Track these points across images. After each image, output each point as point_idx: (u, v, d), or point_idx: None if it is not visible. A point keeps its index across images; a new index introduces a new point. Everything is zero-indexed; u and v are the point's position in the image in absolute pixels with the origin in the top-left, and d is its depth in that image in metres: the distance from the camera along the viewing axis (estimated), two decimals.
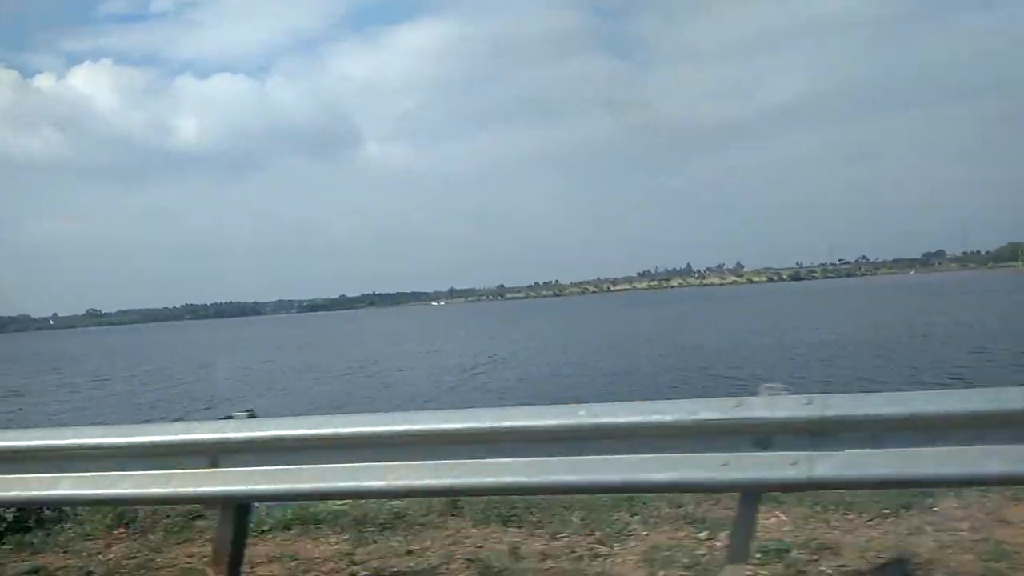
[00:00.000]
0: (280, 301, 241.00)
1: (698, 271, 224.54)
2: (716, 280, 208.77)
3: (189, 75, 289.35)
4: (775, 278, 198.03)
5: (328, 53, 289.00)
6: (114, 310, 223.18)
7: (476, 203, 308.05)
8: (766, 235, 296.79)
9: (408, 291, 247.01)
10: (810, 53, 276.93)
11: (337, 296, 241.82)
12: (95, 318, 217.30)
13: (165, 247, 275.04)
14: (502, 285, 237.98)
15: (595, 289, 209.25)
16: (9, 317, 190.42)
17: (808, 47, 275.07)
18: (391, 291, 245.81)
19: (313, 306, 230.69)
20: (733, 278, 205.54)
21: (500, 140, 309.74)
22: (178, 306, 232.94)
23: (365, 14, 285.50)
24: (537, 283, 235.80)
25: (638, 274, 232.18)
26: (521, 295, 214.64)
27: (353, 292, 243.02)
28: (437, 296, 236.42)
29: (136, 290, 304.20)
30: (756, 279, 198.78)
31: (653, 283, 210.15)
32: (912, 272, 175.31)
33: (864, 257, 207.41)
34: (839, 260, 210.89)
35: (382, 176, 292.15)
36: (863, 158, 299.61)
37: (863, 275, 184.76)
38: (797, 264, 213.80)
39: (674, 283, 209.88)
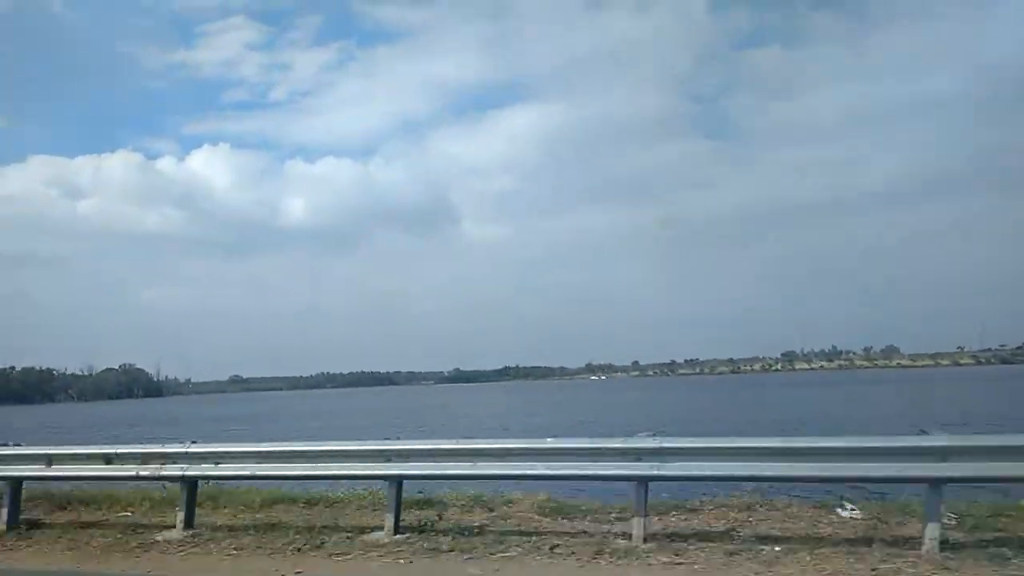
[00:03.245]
0: (410, 372, 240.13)
1: (850, 352, 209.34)
2: (906, 362, 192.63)
3: (299, 158, 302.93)
4: (983, 361, 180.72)
5: (429, 136, 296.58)
6: (250, 376, 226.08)
7: (576, 282, 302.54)
8: (894, 316, 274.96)
9: (544, 365, 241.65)
10: (910, 132, 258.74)
11: (450, 370, 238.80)
12: (238, 384, 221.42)
13: (277, 317, 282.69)
14: (636, 361, 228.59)
15: (779, 368, 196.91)
16: (162, 380, 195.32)
17: (909, 126, 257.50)
18: (526, 364, 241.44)
19: (453, 378, 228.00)
20: (931, 360, 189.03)
21: (596, 221, 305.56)
22: (314, 374, 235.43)
23: (466, 99, 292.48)
24: (674, 361, 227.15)
25: (782, 354, 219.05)
26: (694, 371, 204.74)
27: (479, 366, 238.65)
28: (593, 370, 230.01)
29: (259, 358, 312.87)
30: (963, 361, 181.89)
31: (843, 363, 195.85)
32: None
33: None
34: (1000, 345, 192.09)
35: (479, 254, 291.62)
36: (972, 238, 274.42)
37: None
38: (959, 348, 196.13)
39: (860, 363, 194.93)
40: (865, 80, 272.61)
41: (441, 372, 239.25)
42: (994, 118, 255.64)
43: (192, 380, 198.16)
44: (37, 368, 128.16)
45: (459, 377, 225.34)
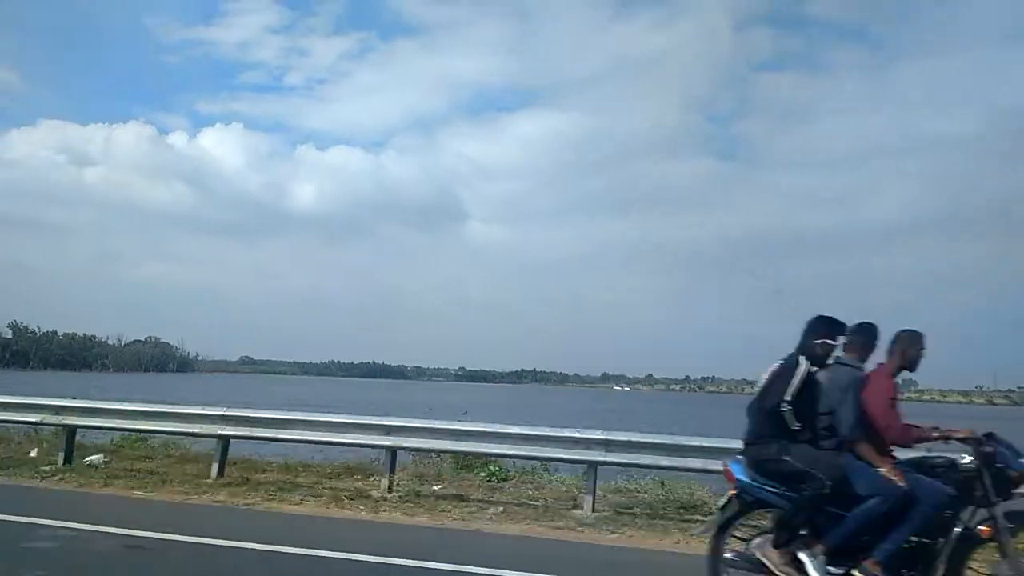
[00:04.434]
0: (417, 367, 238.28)
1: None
2: (938, 396, 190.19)
3: (311, 145, 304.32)
4: (1018, 402, 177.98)
5: (442, 134, 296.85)
6: (260, 358, 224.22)
7: (584, 291, 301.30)
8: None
9: (560, 371, 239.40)
10: (924, 170, 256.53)
11: (456, 368, 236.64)
12: (248, 365, 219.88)
13: (283, 302, 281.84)
14: (651, 374, 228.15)
15: None
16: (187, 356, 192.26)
17: (923, 164, 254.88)
18: (541, 369, 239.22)
19: (464, 376, 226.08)
20: (963, 397, 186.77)
21: (601, 232, 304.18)
22: (324, 361, 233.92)
23: (482, 99, 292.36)
24: (689, 377, 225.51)
25: None
26: (719, 389, 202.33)
27: (483, 366, 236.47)
28: (608, 379, 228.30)
29: (266, 341, 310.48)
30: (998, 401, 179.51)
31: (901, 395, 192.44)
32: None
33: None
34: (1019, 387, 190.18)
35: (485, 255, 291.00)
36: (976, 280, 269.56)
37: None
38: (977, 387, 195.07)
39: (917, 396, 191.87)
40: (881, 113, 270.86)
41: (448, 369, 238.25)
42: (1009, 163, 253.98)
43: (201, 357, 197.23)
44: (81, 335, 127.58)
45: (469, 376, 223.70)
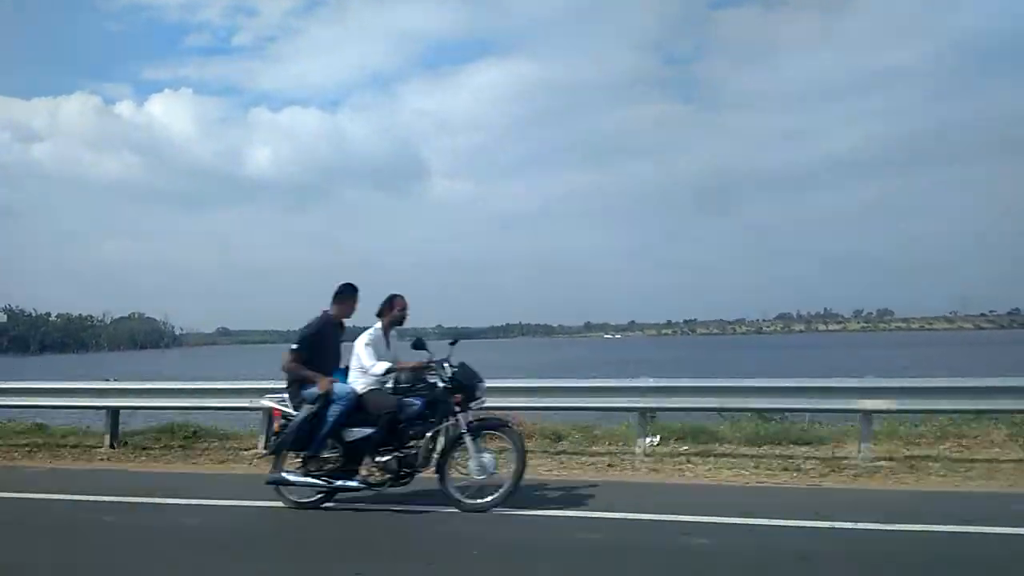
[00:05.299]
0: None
1: (841, 316, 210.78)
2: (926, 325, 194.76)
3: (264, 107, 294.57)
4: (1004, 325, 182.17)
5: (399, 90, 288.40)
6: (237, 329, 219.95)
7: (552, 241, 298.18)
8: (875, 281, 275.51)
9: (545, 323, 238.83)
10: (885, 101, 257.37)
11: (434, 326, 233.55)
12: (227, 336, 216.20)
13: (251, 270, 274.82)
14: (633, 321, 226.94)
15: (802, 329, 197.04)
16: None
17: (884, 94, 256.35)
18: (526, 322, 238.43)
19: (447, 334, 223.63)
20: (950, 323, 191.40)
21: (568, 180, 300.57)
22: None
23: (438, 52, 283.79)
24: (671, 321, 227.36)
25: (777, 317, 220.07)
26: (713, 331, 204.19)
27: (462, 323, 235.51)
28: (591, 328, 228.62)
29: (241, 311, 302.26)
30: (984, 325, 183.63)
31: (883, 323, 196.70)
32: None
33: (1017, 309, 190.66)
34: (990, 311, 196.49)
35: (450, 211, 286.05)
36: (922, 212, 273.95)
37: None
38: (951, 313, 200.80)
39: (896, 325, 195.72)
40: (840, 48, 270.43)
41: (425, 328, 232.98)
42: (960, 90, 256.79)
43: (184, 331, 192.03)
44: (78, 315, 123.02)
45: (449, 334, 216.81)
